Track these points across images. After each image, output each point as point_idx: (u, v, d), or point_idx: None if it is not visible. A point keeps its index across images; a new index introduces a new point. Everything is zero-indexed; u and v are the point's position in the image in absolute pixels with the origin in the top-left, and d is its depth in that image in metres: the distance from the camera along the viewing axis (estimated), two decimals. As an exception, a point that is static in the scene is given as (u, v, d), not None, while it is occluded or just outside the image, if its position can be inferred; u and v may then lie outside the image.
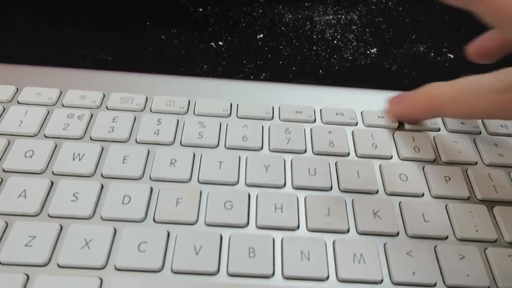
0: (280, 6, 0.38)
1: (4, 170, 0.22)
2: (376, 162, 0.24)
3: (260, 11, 0.37)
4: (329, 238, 0.21)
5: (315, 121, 0.27)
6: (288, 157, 0.24)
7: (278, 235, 0.21)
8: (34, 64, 0.29)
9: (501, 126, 0.27)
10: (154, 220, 0.21)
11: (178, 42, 0.34)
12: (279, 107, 0.27)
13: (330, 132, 0.26)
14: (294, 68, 0.33)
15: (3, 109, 0.25)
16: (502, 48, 0.25)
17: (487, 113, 0.22)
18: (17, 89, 0.26)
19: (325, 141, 0.25)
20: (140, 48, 0.33)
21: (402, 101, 0.26)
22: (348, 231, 0.21)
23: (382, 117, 0.27)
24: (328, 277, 0.20)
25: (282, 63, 0.33)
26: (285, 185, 0.23)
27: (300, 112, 0.27)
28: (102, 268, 0.19)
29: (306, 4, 0.39)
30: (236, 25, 0.35)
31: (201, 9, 0.37)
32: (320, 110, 0.27)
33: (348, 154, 0.25)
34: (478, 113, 0.23)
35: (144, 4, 0.38)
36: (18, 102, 0.26)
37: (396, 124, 0.27)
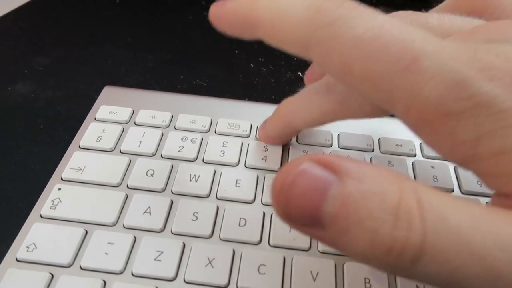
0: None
1: (128, 187, 0.24)
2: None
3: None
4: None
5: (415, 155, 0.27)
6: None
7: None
8: (136, 87, 0.31)
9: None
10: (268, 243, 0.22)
11: (267, 70, 0.36)
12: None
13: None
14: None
15: (122, 129, 0.27)
16: None
17: (325, 117, 0.21)
18: (133, 111, 0.28)
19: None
20: (231, 75, 0.35)
21: (265, 123, 0.26)
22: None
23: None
24: (335, 299, 0.20)
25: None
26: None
27: (401, 146, 0.27)
28: (226, 287, 0.20)
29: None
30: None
31: None
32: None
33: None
34: (320, 118, 0.22)
35: None
36: (135, 123, 0.28)
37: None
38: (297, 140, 0.27)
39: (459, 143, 0.12)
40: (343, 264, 0.21)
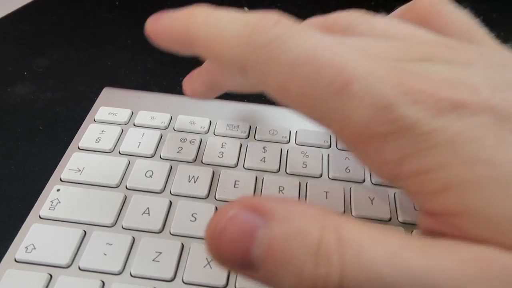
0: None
1: (127, 188, 0.24)
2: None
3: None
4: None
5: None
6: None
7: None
8: (135, 89, 0.31)
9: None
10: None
11: None
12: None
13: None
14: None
15: (121, 130, 0.27)
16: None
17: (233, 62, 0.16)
18: (132, 112, 0.29)
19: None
20: None
21: (191, 77, 0.25)
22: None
23: None
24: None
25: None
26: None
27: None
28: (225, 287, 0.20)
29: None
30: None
31: None
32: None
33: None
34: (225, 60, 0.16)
35: None
36: (134, 124, 0.28)
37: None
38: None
39: (386, 163, 0.13)
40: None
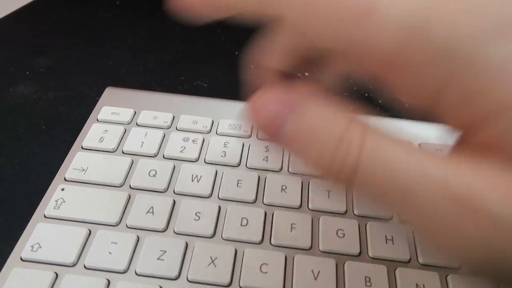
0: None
1: (131, 187, 0.24)
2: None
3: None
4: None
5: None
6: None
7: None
8: (137, 88, 0.31)
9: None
10: (270, 243, 0.22)
11: None
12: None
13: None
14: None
15: (124, 130, 0.27)
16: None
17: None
18: (135, 112, 0.29)
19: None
20: (232, 76, 0.35)
21: None
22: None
23: None
24: (336, 298, 0.20)
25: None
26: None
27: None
28: (228, 286, 0.21)
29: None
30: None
31: None
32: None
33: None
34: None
35: (230, 34, 0.40)
36: (137, 124, 0.28)
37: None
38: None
39: (424, 91, 0.13)
40: (344, 263, 0.21)
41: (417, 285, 0.21)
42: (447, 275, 0.21)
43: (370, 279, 0.21)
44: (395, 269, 0.21)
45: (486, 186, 0.11)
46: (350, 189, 0.13)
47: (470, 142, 0.13)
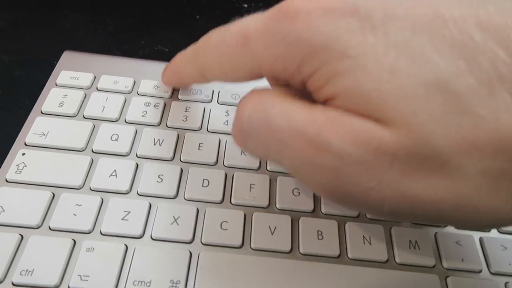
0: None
1: (93, 151, 0.25)
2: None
3: (252, 4, 0.39)
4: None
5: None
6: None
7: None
8: (96, 53, 0.31)
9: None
10: (230, 202, 0.24)
11: None
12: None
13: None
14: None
15: (84, 95, 0.27)
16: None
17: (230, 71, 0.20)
18: (95, 77, 0.28)
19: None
20: (193, 41, 0.35)
21: (174, 65, 0.26)
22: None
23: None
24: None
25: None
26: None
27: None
28: (190, 242, 0.22)
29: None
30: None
31: (245, 5, 0.39)
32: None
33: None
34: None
35: None
36: (97, 89, 0.28)
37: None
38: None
39: (292, 76, 0.17)
40: (298, 219, 0.23)
41: (363, 237, 0.23)
42: (391, 228, 0.23)
43: (322, 233, 0.23)
44: (345, 224, 0.23)
45: (331, 129, 0.15)
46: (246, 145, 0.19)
47: (318, 98, 0.16)
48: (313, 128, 0.15)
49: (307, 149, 0.15)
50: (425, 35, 0.14)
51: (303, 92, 0.17)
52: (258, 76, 0.19)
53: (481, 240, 0.23)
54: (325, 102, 0.16)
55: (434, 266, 0.22)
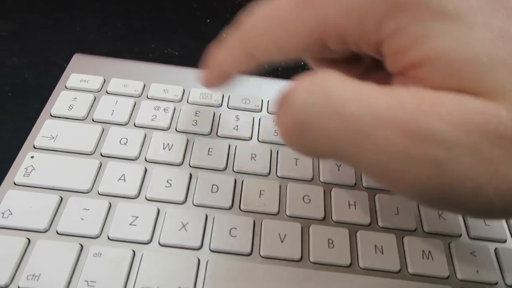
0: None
1: (102, 155, 0.24)
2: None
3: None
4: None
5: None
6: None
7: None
8: (106, 55, 0.30)
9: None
10: (239, 208, 0.23)
11: None
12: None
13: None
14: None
15: (94, 98, 0.27)
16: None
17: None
18: (105, 80, 0.28)
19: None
20: (203, 44, 0.35)
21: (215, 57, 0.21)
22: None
23: None
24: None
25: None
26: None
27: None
28: (198, 249, 0.22)
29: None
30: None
31: None
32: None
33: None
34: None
35: (201, 1, 0.39)
36: (107, 92, 0.28)
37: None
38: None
39: (367, 31, 0.14)
40: (309, 227, 0.23)
41: (375, 246, 0.22)
42: (403, 237, 0.23)
43: (333, 241, 0.22)
44: (356, 232, 0.23)
45: (429, 112, 0.12)
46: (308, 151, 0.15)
47: (404, 79, 0.14)
48: (406, 114, 0.12)
49: (399, 140, 0.12)
50: None
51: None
52: (318, 41, 0.16)
53: (496, 251, 0.23)
54: (402, 73, 0.14)
55: (448, 277, 0.22)
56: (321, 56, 0.19)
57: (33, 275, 0.20)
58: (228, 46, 0.20)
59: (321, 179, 0.25)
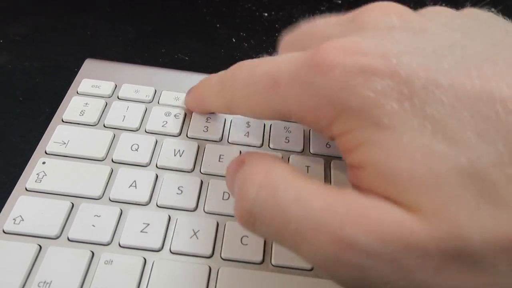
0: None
1: (113, 161, 0.24)
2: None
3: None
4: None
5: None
6: (286, 155, 0.26)
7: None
8: (117, 60, 0.31)
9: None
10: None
11: (248, 45, 0.36)
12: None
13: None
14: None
15: (105, 103, 0.27)
16: None
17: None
18: (116, 85, 0.28)
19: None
20: (213, 49, 0.35)
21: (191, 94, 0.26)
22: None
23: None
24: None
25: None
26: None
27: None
28: (210, 257, 0.21)
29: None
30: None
31: (266, 14, 0.39)
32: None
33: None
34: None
35: (211, 6, 0.39)
36: (118, 97, 0.28)
37: None
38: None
39: (322, 130, 0.16)
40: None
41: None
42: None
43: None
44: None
45: (355, 222, 0.13)
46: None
47: (346, 159, 0.16)
48: (335, 221, 0.13)
49: (329, 245, 0.14)
50: (468, 112, 0.13)
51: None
52: (287, 118, 0.18)
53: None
54: (351, 168, 0.15)
55: None
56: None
57: (44, 282, 0.20)
58: (211, 91, 0.23)
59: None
